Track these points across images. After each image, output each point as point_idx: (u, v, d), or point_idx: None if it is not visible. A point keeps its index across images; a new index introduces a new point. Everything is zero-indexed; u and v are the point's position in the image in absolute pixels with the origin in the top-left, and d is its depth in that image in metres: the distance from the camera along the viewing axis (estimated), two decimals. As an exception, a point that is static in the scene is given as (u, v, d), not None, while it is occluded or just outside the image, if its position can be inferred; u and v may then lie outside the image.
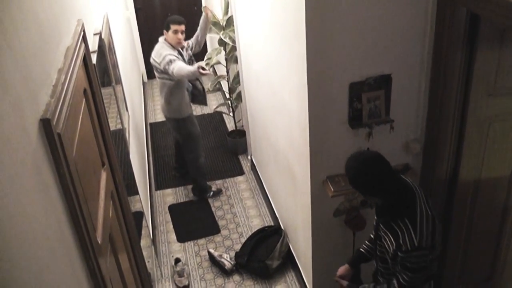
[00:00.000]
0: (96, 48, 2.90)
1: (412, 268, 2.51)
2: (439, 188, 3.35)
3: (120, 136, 3.68)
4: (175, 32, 4.96)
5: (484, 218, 3.42)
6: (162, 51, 4.97)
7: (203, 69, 4.64)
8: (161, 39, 5.08)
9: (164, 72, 4.96)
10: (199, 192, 5.67)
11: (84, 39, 2.46)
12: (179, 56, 5.07)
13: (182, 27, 5.00)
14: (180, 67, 4.79)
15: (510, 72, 3.04)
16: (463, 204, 3.36)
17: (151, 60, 5.11)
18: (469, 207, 3.37)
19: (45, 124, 1.56)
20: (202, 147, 5.66)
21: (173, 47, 5.05)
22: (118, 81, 4.26)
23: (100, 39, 3.16)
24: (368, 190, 2.57)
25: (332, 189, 3.24)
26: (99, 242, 2.08)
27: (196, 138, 5.43)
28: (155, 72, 5.15)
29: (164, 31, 5.02)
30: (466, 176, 3.26)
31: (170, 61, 4.83)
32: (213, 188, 5.73)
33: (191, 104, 5.42)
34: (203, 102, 5.66)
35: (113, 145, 2.86)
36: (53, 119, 1.60)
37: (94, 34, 3.09)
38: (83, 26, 2.49)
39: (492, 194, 3.36)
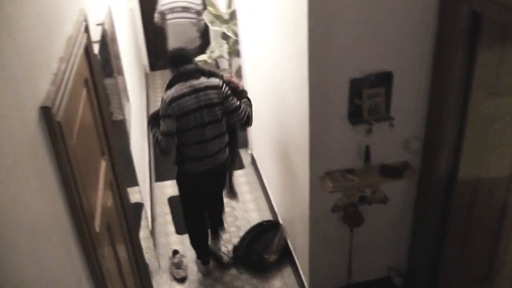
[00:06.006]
0: (98, 38, 2.90)
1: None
2: (437, 186, 3.36)
3: (121, 127, 3.69)
4: None
5: (482, 218, 3.42)
6: None
7: None
8: None
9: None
10: None
11: (87, 29, 2.46)
12: None
13: None
14: None
15: (511, 71, 3.04)
16: (461, 203, 3.36)
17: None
18: (467, 207, 3.38)
19: (45, 112, 1.57)
20: None
21: None
22: (120, 72, 4.27)
23: (103, 30, 3.16)
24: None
25: (331, 185, 3.24)
26: (97, 231, 2.08)
27: None
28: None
29: None
30: (465, 175, 3.26)
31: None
32: None
33: None
34: None
35: (113, 135, 2.87)
36: (53, 107, 1.60)
37: (97, 25, 3.09)
38: (85, 16, 2.49)
39: (491, 194, 3.36)
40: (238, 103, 3.80)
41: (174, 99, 3.62)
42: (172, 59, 3.83)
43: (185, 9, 6.98)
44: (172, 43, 7.01)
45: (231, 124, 3.92)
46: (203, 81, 3.71)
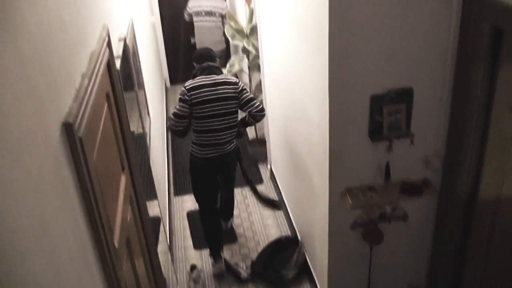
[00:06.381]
0: (120, 53, 2.92)
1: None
2: (458, 204, 3.32)
3: (141, 141, 3.71)
4: None
5: (504, 236, 3.38)
6: None
7: None
8: None
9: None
10: None
11: (109, 44, 2.48)
12: None
13: None
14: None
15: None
16: (483, 221, 3.32)
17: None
18: (489, 225, 3.33)
19: (67, 128, 1.58)
20: None
21: None
22: (141, 86, 4.30)
23: (125, 45, 3.19)
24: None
25: (351, 202, 3.22)
26: (116, 246, 2.09)
27: None
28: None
29: None
30: (486, 193, 3.22)
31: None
32: None
33: None
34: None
35: (133, 149, 2.88)
36: (75, 123, 1.61)
37: (119, 40, 3.12)
38: (108, 31, 2.51)
39: (513, 212, 3.33)
40: (252, 95, 4.35)
41: (194, 88, 4.10)
42: (198, 56, 4.40)
43: (209, 13, 7.44)
44: (198, 44, 7.54)
45: (248, 116, 4.37)
46: (223, 77, 4.16)
